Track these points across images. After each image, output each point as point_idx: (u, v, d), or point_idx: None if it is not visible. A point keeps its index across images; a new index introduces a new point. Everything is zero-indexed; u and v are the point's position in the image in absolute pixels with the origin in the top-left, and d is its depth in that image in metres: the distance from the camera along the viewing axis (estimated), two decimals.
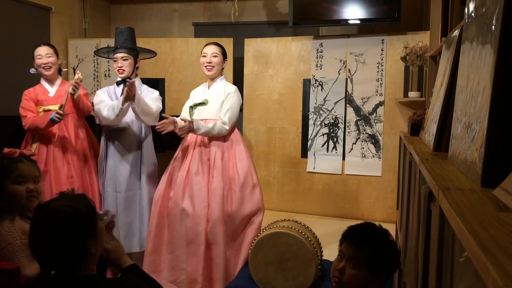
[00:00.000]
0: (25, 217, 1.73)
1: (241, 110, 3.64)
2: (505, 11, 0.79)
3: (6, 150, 1.84)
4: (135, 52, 3.11)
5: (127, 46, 3.05)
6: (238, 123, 3.05)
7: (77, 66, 4.75)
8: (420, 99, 3.65)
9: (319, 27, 4.68)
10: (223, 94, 2.92)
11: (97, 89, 4.74)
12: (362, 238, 1.52)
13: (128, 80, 2.97)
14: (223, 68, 2.99)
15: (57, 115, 2.88)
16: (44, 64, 3.07)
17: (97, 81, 4.78)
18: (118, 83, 3.10)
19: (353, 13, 3.99)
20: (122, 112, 2.88)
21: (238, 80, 4.42)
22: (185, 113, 3.01)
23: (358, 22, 4.08)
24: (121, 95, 2.96)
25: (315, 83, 4.22)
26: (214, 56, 2.90)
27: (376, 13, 3.94)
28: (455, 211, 0.65)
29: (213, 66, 2.90)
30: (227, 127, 2.85)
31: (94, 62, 4.73)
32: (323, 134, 4.22)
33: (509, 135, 0.79)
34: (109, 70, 4.72)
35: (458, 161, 1.03)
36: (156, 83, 4.34)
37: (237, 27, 4.94)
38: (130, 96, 2.75)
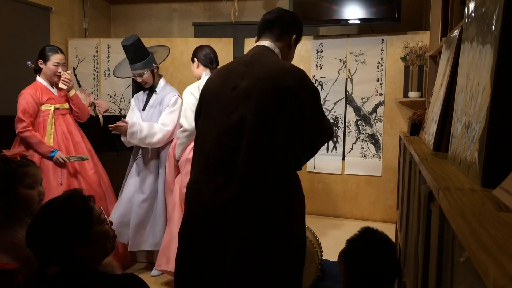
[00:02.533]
0: None
1: None
2: (505, 11, 0.79)
3: (8, 153, 1.78)
4: (148, 64, 3.06)
5: (135, 68, 3.05)
6: None
7: (77, 66, 4.76)
8: (420, 99, 3.65)
9: (319, 27, 4.68)
10: None
11: (97, 89, 4.76)
12: (366, 235, 1.57)
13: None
14: (199, 68, 3.05)
15: (60, 160, 2.92)
16: (59, 72, 3.06)
17: (97, 81, 4.78)
18: (144, 90, 3.18)
19: (353, 13, 3.99)
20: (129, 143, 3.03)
21: None
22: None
23: (358, 22, 4.08)
24: (145, 102, 3.14)
25: (315, 83, 4.21)
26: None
27: (376, 13, 3.94)
28: (455, 211, 0.65)
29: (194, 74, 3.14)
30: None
31: (94, 62, 4.73)
32: None
33: (509, 135, 0.79)
34: (109, 70, 4.72)
35: (458, 161, 1.03)
36: None
37: (237, 27, 4.94)
38: (122, 133, 2.93)
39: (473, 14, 1.09)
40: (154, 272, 3.13)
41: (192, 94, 2.93)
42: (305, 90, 1.65)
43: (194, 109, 2.90)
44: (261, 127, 1.59)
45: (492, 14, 0.86)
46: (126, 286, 1.38)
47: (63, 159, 2.93)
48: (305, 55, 4.25)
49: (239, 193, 1.57)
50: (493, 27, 0.84)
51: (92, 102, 3.51)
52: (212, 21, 5.23)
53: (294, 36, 1.84)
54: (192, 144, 2.81)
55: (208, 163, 1.67)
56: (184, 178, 2.89)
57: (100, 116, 3.55)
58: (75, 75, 4.72)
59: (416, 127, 2.26)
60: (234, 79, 1.69)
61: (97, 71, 4.76)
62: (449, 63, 1.53)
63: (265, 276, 1.58)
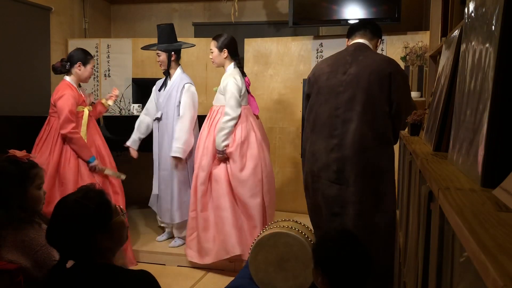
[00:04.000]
0: (46, 219, 1.72)
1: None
2: (505, 11, 0.79)
3: (18, 154, 1.77)
4: (165, 47, 3.47)
5: (154, 45, 3.52)
6: None
7: None
8: (420, 99, 3.64)
9: (319, 27, 4.68)
10: (221, 83, 3.24)
11: (97, 89, 4.76)
12: (338, 243, 1.61)
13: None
14: (226, 57, 3.27)
15: (98, 167, 3.02)
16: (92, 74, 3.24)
17: (97, 81, 4.78)
18: (164, 73, 3.58)
19: (353, 13, 3.99)
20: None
21: None
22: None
23: (358, 22, 4.07)
24: (162, 87, 3.54)
25: None
26: (211, 51, 3.30)
27: (376, 13, 3.94)
28: (455, 211, 0.65)
29: (213, 61, 3.31)
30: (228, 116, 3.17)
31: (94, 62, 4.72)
32: None
33: (509, 135, 0.79)
34: (109, 70, 4.72)
35: (458, 161, 1.03)
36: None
37: (237, 27, 4.94)
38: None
39: (473, 14, 1.09)
40: (173, 243, 3.53)
41: (237, 84, 3.15)
42: (400, 75, 2.26)
43: (238, 96, 3.13)
44: (368, 103, 2.17)
45: (492, 14, 0.86)
46: (139, 281, 1.40)
47: (99, 168, 3.03)
48: (305, 55, 4.25)
49: (352, 152, 2.17)
50: (493, 27, 0.84)
51: (92, 102, 3.51)
52: (212, 21, 5.23)
53: (379, 39, 2.47)
54: (237, 130, 3.13)
55: (323, 131, 2.24)
56: (240, 160, 3.10)
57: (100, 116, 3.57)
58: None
59: (416, 127, 2.25)
60: (343, 66, 2.27)
61: (97, 71, 4.76)
62: (449, 63, 1.53)
63: (374, 209, 2.21)
